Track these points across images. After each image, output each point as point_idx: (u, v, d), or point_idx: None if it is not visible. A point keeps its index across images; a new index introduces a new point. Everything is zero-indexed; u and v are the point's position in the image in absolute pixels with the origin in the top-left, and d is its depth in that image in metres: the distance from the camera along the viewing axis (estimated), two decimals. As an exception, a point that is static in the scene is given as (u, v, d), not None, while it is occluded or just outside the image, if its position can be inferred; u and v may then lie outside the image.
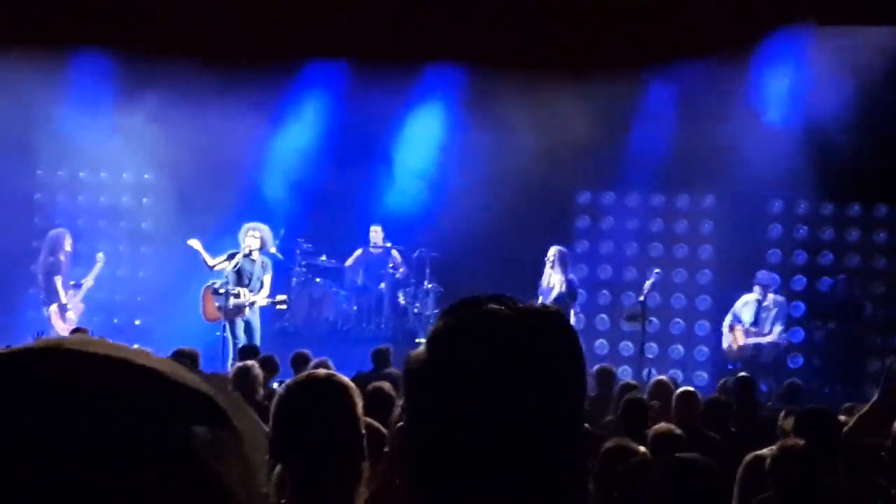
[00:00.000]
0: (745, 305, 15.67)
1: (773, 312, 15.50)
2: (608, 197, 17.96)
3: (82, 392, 0.99)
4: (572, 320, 15.33)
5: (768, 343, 15.48)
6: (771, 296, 15.70)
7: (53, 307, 16.16)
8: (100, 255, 16.74)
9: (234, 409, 1.07)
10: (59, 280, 16.19)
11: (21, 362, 1.01)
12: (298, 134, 17.91)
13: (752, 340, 15.44)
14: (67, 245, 16.39)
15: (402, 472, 1.71)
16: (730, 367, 15.30)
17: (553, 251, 15.43)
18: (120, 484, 0.96)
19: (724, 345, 15.81)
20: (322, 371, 3.56)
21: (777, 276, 16.08)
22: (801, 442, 6.10)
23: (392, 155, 17.84)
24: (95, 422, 0.97)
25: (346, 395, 3.27)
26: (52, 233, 16.57)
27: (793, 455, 5.31)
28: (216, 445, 1.02)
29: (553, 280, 15.25)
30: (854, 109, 15.87)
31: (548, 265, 15.36)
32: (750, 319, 15.47)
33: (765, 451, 5.71)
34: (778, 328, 15.53)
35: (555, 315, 1.65)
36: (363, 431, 3.27)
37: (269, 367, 10.74)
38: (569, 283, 15.33)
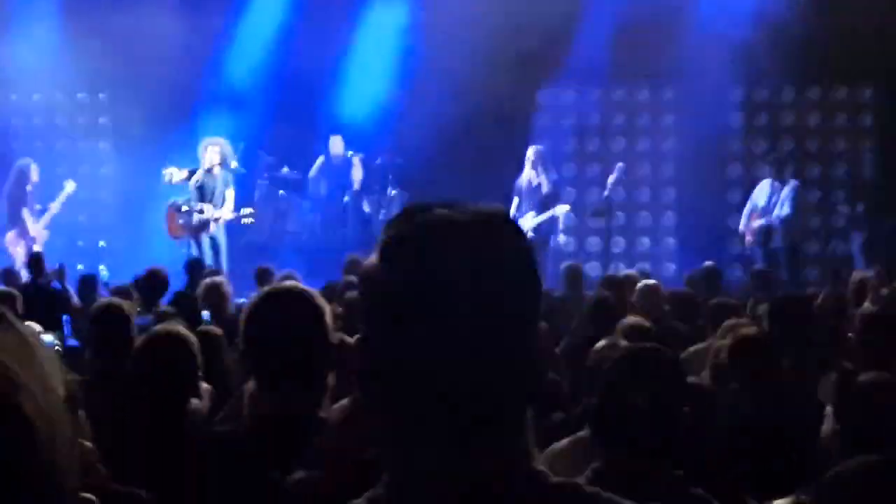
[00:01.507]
0: (761, 191, 15.57)
1: (783, 194, 15.37)
2: (568, 94, 17.87)
3: None
4: (560, 219, 15.38)
5: (773, 222, 15.29)
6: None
7: (11, 234, 16.03)
8: (69, 183, 16.56)
9: (14, 320, 1.07)
10: (26, 211, 16.06)
11: None
12: (254, 36, 17.67)
13: (756, 223, 15.39)
14: (34, 175, 16.24)
15: (361, 385, 1.70)
16: (747, 252, 15.40)
17: (533, 151, 15.42)
18: None
19: (740, 228, 15.71)
20: (289, 282, 3.60)
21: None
22: (754, 329, 6.20)
23: (349, 58, 17.64)
24: None
25: (312, 306, 3.31)
26: (19, 163, 16.39)
27: (747, 343, 5.40)
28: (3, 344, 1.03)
29: (537, 180, 15.27)
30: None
31: (528, 165, 15.36)
32: (763, 203, 15.42)
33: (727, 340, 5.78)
34: (782, 210, 15.33)
35: (503, 217, 1.63)
36: (331, 343, 3.29)
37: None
38: (553, 183, 15.39)
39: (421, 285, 1.54)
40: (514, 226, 1.65)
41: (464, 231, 1.56)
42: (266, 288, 3.60)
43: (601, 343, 5.63)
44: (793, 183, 15.41)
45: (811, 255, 16.97)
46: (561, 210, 15.48)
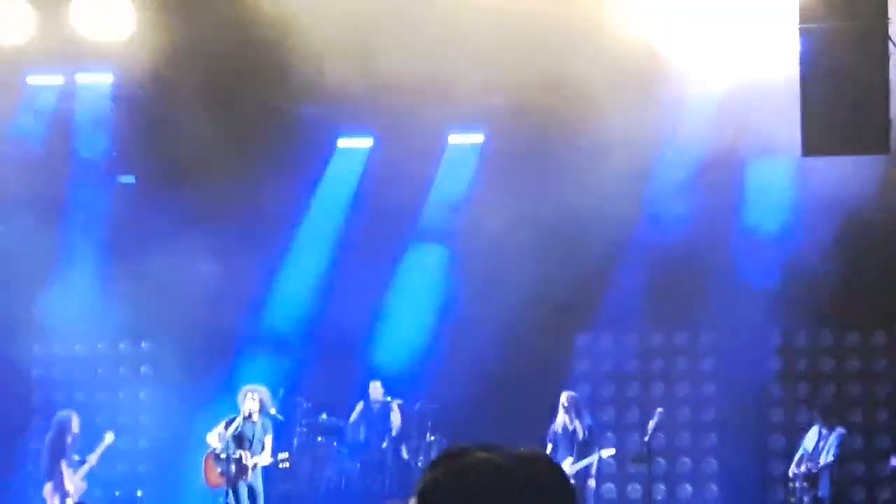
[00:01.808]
0: (810, 437, 15.46)
1: (830, 441, 15.26)
2: (605, 339, 17.92)
3: None
4: (594, 464, 15.23)
5: (820, 469, 15.12)
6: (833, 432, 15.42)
7: (48, 486, 15.92)
8: (109, 434, 16.51)
9: None
10: (64, 464, 15.97)
11: None
12: (294, 278, 17.90)
13: (802, 468, 15.24)
14: (75, 427, 16.22)
15: None
16: (792, 500, 15.18)
17: (567, 396, 15.44)
18: None
19: (790, 473, 15.49)
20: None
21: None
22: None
23: (388, 303, 17.81)
24: None
25: None
26: (60, 415, 16.38)
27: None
28: None
29: (571, 426, 15.25)
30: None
31: (561, 410, 15.36)
32: (811, 449, 15.28)
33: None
34: (828, 457, 15.19)
35: (545, 460, 1.62)
36: None
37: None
38: (588, 428, 15.36)
39: None
40: (557, 469, 1.63)
41: (506, 475, 1.55)
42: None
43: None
44: (839, 430, 15.31)
45: (857, 502, 16.68)
46: (606, 453, 15.42)
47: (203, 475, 15.58)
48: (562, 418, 15.42)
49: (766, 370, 17.31)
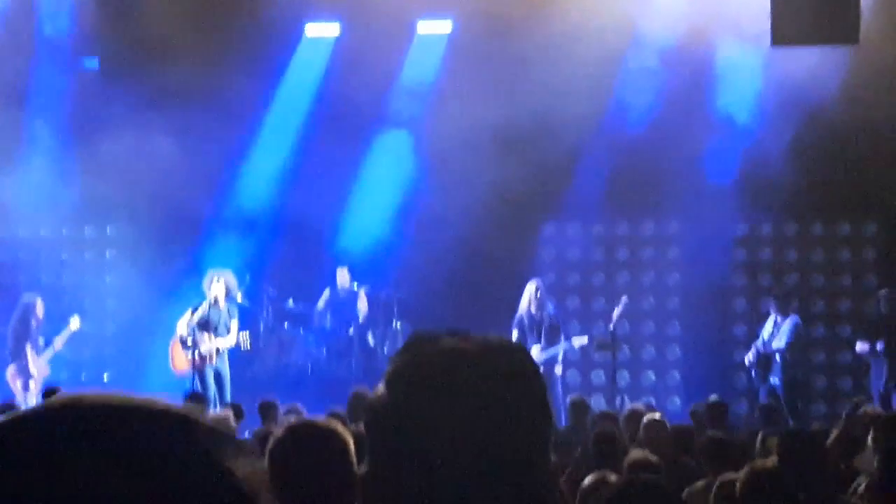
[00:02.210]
0: (766, 326, 15.58)
1: (783, 328, 15.37)
2: (572, 228, 17.96)
3: (119, 446, 0.94)
4: (561, 352, 15.34)
5: (770, 356, 15.28)
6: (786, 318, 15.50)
7: (11, 368, 15.94)
8: (74, 319, 16.51)
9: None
10: (28, 347, 15.97)
11: (48, 423, 0.95)
12: (263, 164, 17.81)
13: (751, 353, 15.42)
14: (39, 311, 16.19)
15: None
16: (753, 386, 15.37)
17: (533, 284, 15.47)
18: None
19: (746, 362, 15.64)
20: (314, 418, 3.62)
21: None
22: (771, 462, 6.08)
23: (356, 190, 17.77)
24: (141, 474, 0.93)
25: (337, 440, 3.35)
26: (25, 298, 16.37)
27: (762, 476, 5.25)
28: (253, 481, 1.00)
29: (538, 313, 15.30)
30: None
31: (527, 297, 15.39)
32: (766, 337, 15.42)
33: (734, 474, 5.67)
34: (780, 342, 15.32)
35: (514, 348, 1.60)
36: (355, 475, 3.29)
37: (236, 414, 10.71)
38: (554, 316, 15.43)
39: (428, 416, 1.50)
40: (526, 356, 1.61)
41: (473, 361, 1.52)
42: (291, 423, 3.61)
43: (590, 477, 5.52)
44: (793, 317, 15.44)
45: (818, 389, 16.93)
46: (578, 342, 15.52)
47: (170, 360, 15.64)
48: (527, 305, 15.48)
49: (730, 260, 17.44)
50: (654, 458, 7.39)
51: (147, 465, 0.93)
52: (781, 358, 15.11)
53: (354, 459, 3.33)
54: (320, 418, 3.92)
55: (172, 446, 0.95)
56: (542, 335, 15.34)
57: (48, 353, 16.17)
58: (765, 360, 15.24)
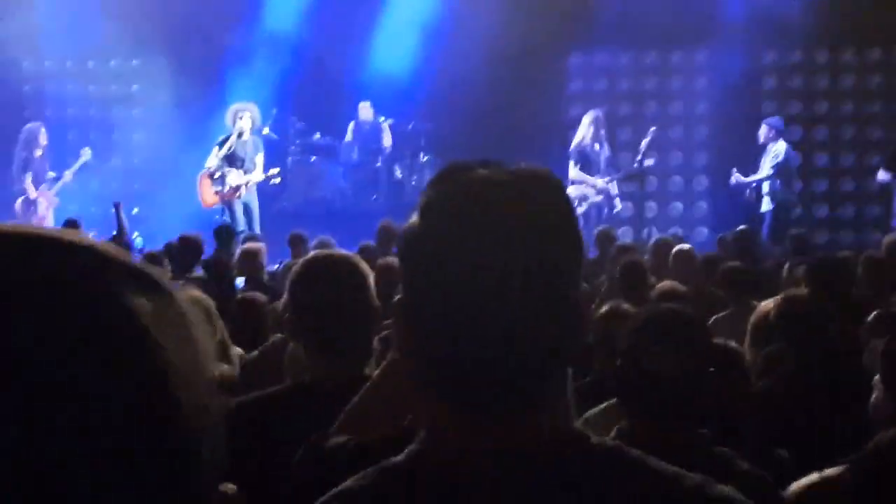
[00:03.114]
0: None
1: (769, 158, 15.20)
2: (599, 58, 17.77)
3: (16, 275, 0.91)
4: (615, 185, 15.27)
5: (755, 183, 15.18)
6: (774, 145, 15.27)
7: (19, 202, 16.03)
8: (85, 150, 16.53)
9: (172, 286, 1.01)
10: (28, 177, 15.97)
11: None
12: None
13: (734, 179, 15.29)
14: (42, 139, 16.18)
15: (402, 348, 1.70)
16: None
17: (593, 115, 15.30)
18: (69, 365, 0.89)
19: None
20: (332, 249, 3.62)
21: (773, 122, 15.61)
22: (805, 291, 6.10)
23: (379, 21, 17.56)
24: (36, 303, 0.90)
25: (359, 272, 3.36)
26: (27, 127, 16.37)
27: (798, 304, 5.24)
28: (160, 318, 0.95)
29: (599, 144, 15.17)
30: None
31: (586, 129, 15.21)
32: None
33: (770, 301, 5.66)
34: (763, 172, 15.21)
35: (547, 176, 1.61)
36: (376, 307, 3.35)
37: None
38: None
39: (464, 244, 1.51)
40: (557, 184, 1.62)
41: (507, 189, 1.54)
42: (312, 254, 3.64)
43: (605, 307, 5.55)
44: (780, 146, 15.15)
45: (822, 217, 16.93)
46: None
47: (199, 194, 15.72)
48: (586, 136, 15.24)
49: (759, 89, 17.26)
50: (682, 287, 7.44)
51: (38, 290, 0.91)
52: (768, 186, 14.95)
53: (374, 293, 3.36)
54: (342, 251, 3.94)
55: (65, 274, 0.93)
56: (603, 167, 15.20)
57: (58, 186, 16.20)
58: (745, 187, 15.15)
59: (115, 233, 12.30)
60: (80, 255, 0.95)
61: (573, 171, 15.02)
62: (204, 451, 0.95)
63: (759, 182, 15.07)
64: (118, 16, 17.12)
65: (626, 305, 5.48)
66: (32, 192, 15.93)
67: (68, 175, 16.28)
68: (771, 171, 14.94)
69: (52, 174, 16.25)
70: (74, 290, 0.92)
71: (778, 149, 15.06)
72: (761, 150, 15.34)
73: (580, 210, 14.64)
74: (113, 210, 12.64)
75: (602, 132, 15.24)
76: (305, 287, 3.33)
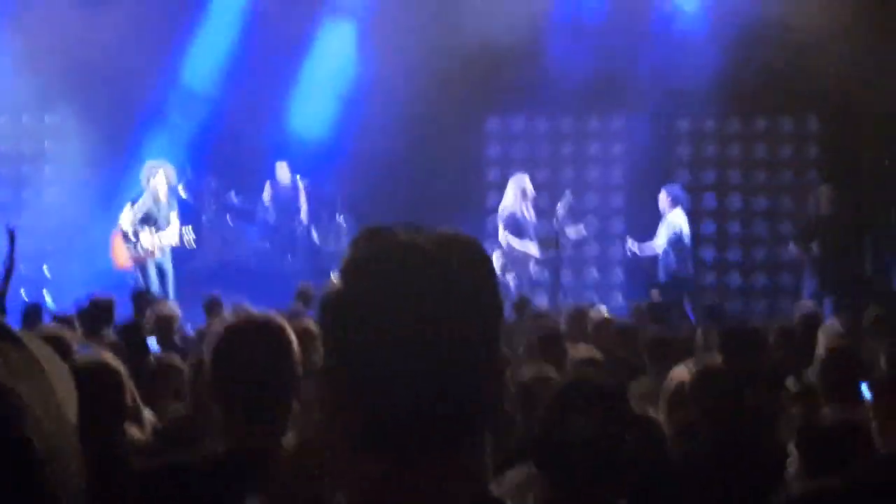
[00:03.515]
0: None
1: (664, 227, 15.25)
2: (516, 122, 17.89)
3: None
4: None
5: (647, 251, 15.29)
6: (671, 213, 15.30)
7: None
8: None
9: (30, 340, 1.04)
10: None
11: None
12: (203, 55, 17.54)
13: (634, 247, 15.38)
14: None
15: (324, 412, 1.68)
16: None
17: (524, 179, 15.26)
18: None
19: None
20: (257, 314, 3.57)
21: (671, 190, 15.67)
22: (718, 359, 6.12)
23: (296, 82, 17.57)
24: None
25: (283, 338, 3.31)
26: None
27: (711, 374, 5.27)
28: (11, 365, 0.98)
29: (528, 211, 15.20)
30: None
31: (514, 193, 15.19)
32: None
33: (682, 368, 5.67)
34: (659, 239, 15.28)
35: (468, 240, 1.62)
36: (299, 373, 3.30)
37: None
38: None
39: (385, 307, 1.52)
40: (478, 248, 1.63)
41: (429, 252, 1.55)
42: (235, 318, 3.56)
43: (530, 371, 5.52)
44: (676, 216, 15.19)
45: (735, 286, 17.12)
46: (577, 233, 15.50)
47: (112, 254, 15.52)
48: (514, 201, 15.22)
49: (674, 156, 17.47)
50: (598, 354, 7.44)
51: None
52: (664, 257, 15.05)
53: (298, 356, 3.31)
54: (266, 313, 3.87)
55: None
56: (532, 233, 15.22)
57: None
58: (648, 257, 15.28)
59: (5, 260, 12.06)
60: None
61: (503, 236, 15.04)
62: (57, 489, 0.97)
63: (655, 253, 15.16)
64: (30, 71, 16.95)
65: (547, 368, 5.47)
66: None
67: None
68: (665, 245, 15.03)
69: None
70: None
71: (673, 219, 15.09)
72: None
73: (509, 276, 14.70)
74: (8, 235, 12.33)
75: (529, 197, 15.26)
76: (227, 354, 3.27)
